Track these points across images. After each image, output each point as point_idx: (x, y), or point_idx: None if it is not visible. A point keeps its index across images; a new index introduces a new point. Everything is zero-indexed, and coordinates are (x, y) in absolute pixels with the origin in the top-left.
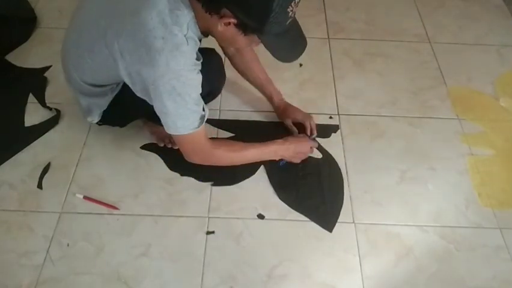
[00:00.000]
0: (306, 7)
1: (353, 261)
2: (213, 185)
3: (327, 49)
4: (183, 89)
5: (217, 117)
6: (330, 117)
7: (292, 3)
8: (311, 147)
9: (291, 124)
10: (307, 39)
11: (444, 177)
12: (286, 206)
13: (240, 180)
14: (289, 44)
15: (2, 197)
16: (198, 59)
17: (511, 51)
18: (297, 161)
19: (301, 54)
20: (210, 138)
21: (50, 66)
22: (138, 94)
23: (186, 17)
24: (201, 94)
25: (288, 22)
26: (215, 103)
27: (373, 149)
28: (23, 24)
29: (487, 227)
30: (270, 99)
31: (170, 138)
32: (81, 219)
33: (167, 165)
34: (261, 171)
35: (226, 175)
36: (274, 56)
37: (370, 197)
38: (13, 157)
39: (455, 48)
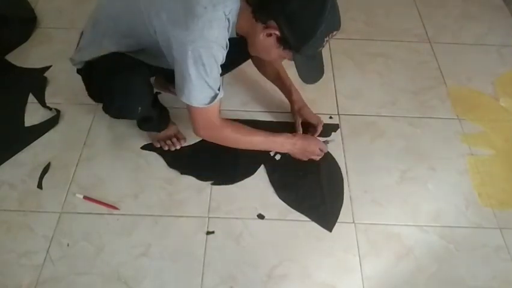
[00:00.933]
0: None
1: (352, 261)
2: (212, 184)
3: (327, 49)
4: (209, 60)
5: None
6: (330, 117)
7: (330, 35)
8: (320, 150)
9: (300, 123)
10: None
11: (444, 177)
12: (286, 205)
13: (240, 180)
14: (313, 68)
15: (2, 197)
16: (226, 47)
17: (511, 51)
18: (304, 158)
19: (318, 80)
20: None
21: (50, 66)
22: (163, 49)
23: (234, 5)
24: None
25: (319, 49)
26: None
27: (373, 149)
28: (23, 24)
29: (487, 227)
30: (288, 93)
31: (166, 140)
32: (81, 219)
33: (166, 162)
34: (261, 171)
35: (226, 174)
36: (299, 74)
37: (370, 197)
38: (13, 157)
39: (455, 48)
